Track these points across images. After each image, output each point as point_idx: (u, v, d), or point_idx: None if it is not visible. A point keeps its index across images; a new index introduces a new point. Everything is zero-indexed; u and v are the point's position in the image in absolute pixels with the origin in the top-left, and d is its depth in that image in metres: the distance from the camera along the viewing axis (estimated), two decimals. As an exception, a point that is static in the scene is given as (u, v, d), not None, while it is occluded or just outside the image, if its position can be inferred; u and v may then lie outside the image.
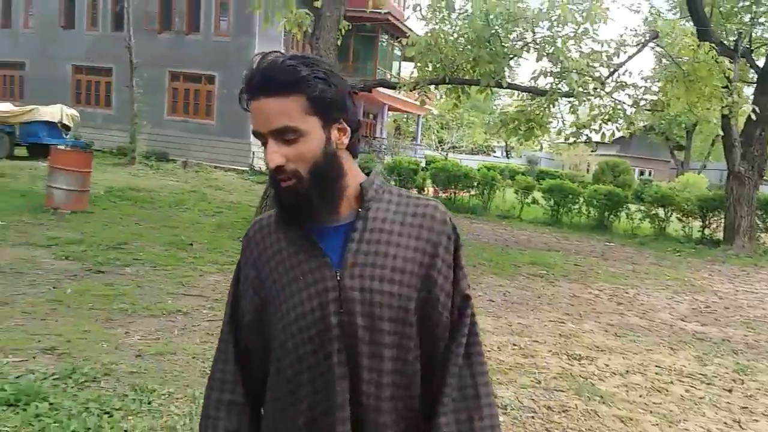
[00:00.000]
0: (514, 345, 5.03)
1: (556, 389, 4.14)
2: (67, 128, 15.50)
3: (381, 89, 19.81)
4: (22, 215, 7.98)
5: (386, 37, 24.13)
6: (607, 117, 9.88)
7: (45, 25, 21.63)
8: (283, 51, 1.06)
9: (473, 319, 1.17)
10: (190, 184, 14.31)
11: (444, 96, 12.66)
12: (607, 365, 4.81)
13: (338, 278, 1.06)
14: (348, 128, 1.09)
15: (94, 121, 20.46)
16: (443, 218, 1.14)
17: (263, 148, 1.05)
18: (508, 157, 50.40)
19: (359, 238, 1.09)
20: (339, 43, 9.73)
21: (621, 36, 9.86)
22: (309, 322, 1.07)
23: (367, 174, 1.18)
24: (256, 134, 1.04)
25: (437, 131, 44.74)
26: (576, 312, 6.43)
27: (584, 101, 9.38)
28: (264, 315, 1.15)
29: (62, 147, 10.98)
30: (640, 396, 4.22)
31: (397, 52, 25.61)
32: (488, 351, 4.78)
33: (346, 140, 1.09)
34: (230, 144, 19.14)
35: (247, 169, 18.35)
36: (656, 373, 4.72)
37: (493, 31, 9.36)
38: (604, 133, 9.84)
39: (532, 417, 3.65)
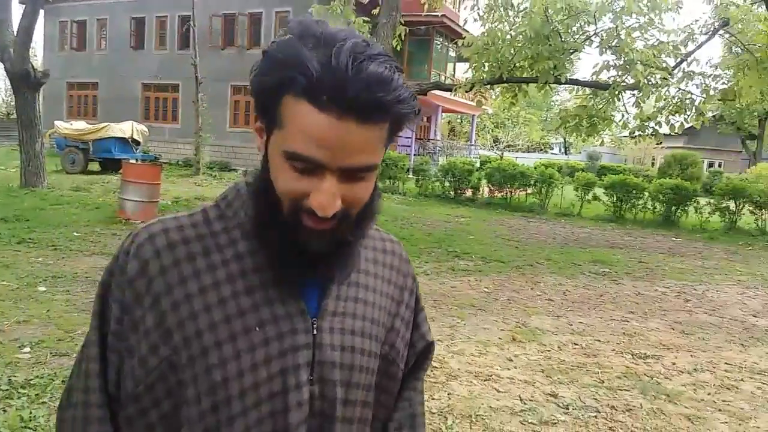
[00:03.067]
0: (575, 344, 4.97)
1: (620, 388, 4.08)
2: (137, 143, 16.37)
3: (435, 91, 19.82)
4: (96, 226, 8.48)
5: (441, 39, 24.16)
6: (674, 108, 9.56)
7: (116, 46, 22.95)
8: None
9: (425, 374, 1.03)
10: (251, 192, 14.77)
11: (500, 95, 12.57)
12: (674, 363, 4.68)
13: (314, 332, 0.80)
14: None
15: (162, 136, 21.55)
16: (406, 256, 0.99)
17: (290, 172, 0.71)
18: (566, 154, 49.20)
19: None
20: (397, 48, 9.82)
21: (689, 25, 9.41)
22: (263, 395, 0.76)
23: None
24: (300, 158, 0.69)
25: (492, 130, 44.25)
26: (641, 310, 6.27)
27: (651, 93, 9.11)
28: (165, 383, 0.77)
29: (133, 161, 11.63)
30: (709, 394, 4.09)
31: (452, 54, 25.58)
32: (548, 350, 4.76)
33: None
34: (289, 152, 19.69)
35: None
36: (726, 371, 4.56)
37: (553, 27, 9.24)
38: (672, 125, 9.52)
39: (595, 416, 3.61)
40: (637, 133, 10.24)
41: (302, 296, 0.80)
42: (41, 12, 22.91)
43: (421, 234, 10.26)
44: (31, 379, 3.41)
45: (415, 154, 21.69)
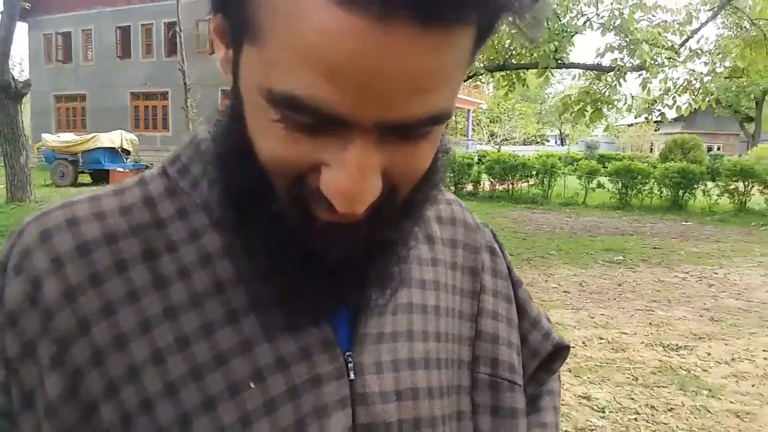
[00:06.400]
0: (601, 338, 4.60)
1: (656, 385, 3.71)
2: (127, 153, 16.02)
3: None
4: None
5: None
6: (682, 90, 9.22)
7: (103, 57, 22.59)
8: None
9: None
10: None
11: (495, 86, 12.20)
12: (709, 354, 4.31)
13: (350, 376, 0.47)
14: None
15: (153, 144, 21.15)
16: (474, 222, 0.64)
17: (282, 129, 0.37)
18: (563, 145, 48.93)
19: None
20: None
21: (691, 2, 9.13)
22: None
23: None
24: (302, 107, 0.35)
25: (487, 125, 44.01)
26: (664, 298, 5.89)
27: (657, 73, 8.75)
28: None
29: (121, 170, 11.26)
30: (753, 386, 3.74)
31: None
32: (573, 347, 4.38)
33: None
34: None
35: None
36: (766, 359, 4.19)
37: (552, 9, 8.89)
38: (679, 107, 9.17)
39: (635, 419, 3.24)
40: (643, 116, 9.87)
41: (324, 315, 0.48)
42: (26, 26, 22.68)
43: (423, 230, 9.90)
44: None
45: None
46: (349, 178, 0.36)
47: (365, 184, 0.37)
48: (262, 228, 0.42)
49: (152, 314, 0.44)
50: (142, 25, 21.76)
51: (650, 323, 5.02)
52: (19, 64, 30.00)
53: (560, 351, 0.69)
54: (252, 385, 0.44)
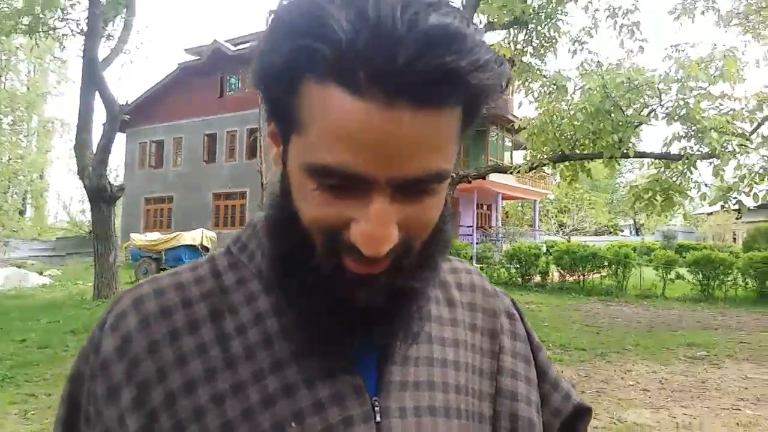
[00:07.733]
0: (683, 440, 4.29)
1: (746, 493, 3.40)
2: (206, 249, 16.90)
3: (493, 178, 19.81)
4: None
5: (496, 129, 24.41)
6: (758, 177, 8.94)
7: (190, 161, 24.55)
8: None
9: None
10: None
11: (559, 176, 12.23)
12: (807, 460, 3.92)
13: (377, 418, 0.55)
14: None
15: (230, 241, 22.27)
16: (492, 289, 0.72)
17: (318, 194, 0.49)
18: (638, 235, 47.17)
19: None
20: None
21: (762, 91, 9.00)
22: None
23: None
24: (331, 171, 0.47)
25: (555, 215, 43.37)
26: (752, 396, 5.44)
27: (729, 160, 8.57)
28: None
29: (201, 266, 11.87)
30: None
31: (508, 143, 25.71)
32: (651, 448, 4.11)
33: None
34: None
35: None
36: None
37: (614, 103, 9.02)
38: (756, 194, 8.83)
39: None
40: (718, 205, 9.56)
41: (355, 364, 0.57)
42: (124, 135, 25.15)
43: (491, 324, 9.68)
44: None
45: (477, 243, 21.31)
46: (372, 226, 0.47)
47: (385, 230, 0.47)
48: (304, 277, 0.52)
49: (216, 364, 0.55)
50: (227, 132, 23.66)
51: (737, 423, 4.64)
52: (115, 170, 32.90)
53: (582, 412, 0.73)
54: (293, 424, 0.53)
